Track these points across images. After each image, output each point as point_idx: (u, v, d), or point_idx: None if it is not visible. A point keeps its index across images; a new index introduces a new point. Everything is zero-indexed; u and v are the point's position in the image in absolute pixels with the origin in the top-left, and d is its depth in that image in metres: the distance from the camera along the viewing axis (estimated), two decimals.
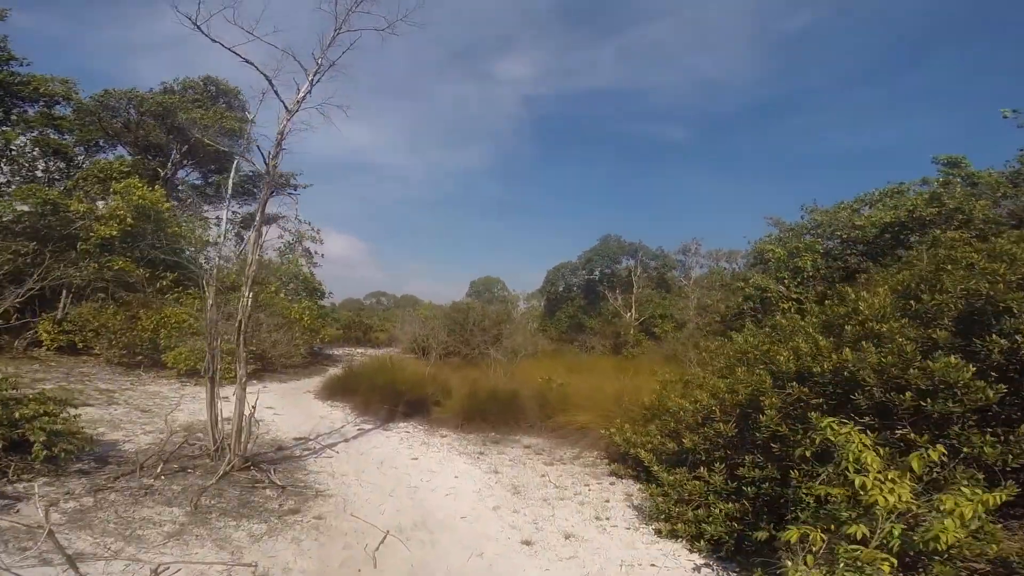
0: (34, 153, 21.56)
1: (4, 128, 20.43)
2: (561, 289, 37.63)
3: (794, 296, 13.80)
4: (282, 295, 19.41)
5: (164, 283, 15.47)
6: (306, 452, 7.93)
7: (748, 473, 5.39)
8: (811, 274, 14.08)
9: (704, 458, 6.08)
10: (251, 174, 28.36)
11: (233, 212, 29.19)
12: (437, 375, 12.41)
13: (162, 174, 25.54)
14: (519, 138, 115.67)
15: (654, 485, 6.24)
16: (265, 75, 7.06)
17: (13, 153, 20.70)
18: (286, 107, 7.37)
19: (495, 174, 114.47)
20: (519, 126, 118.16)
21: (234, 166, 7.74)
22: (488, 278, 52.70)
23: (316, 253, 25.68)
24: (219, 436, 6.80)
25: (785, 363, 5.61)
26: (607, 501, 6.65)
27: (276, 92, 7.30)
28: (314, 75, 7.39)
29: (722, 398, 6.08)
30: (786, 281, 14.30)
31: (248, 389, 13.86)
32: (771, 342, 6.76)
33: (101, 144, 24.56)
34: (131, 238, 16.36)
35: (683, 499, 5.90)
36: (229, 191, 7.76)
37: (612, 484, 7.34)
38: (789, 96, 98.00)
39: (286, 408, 11.12)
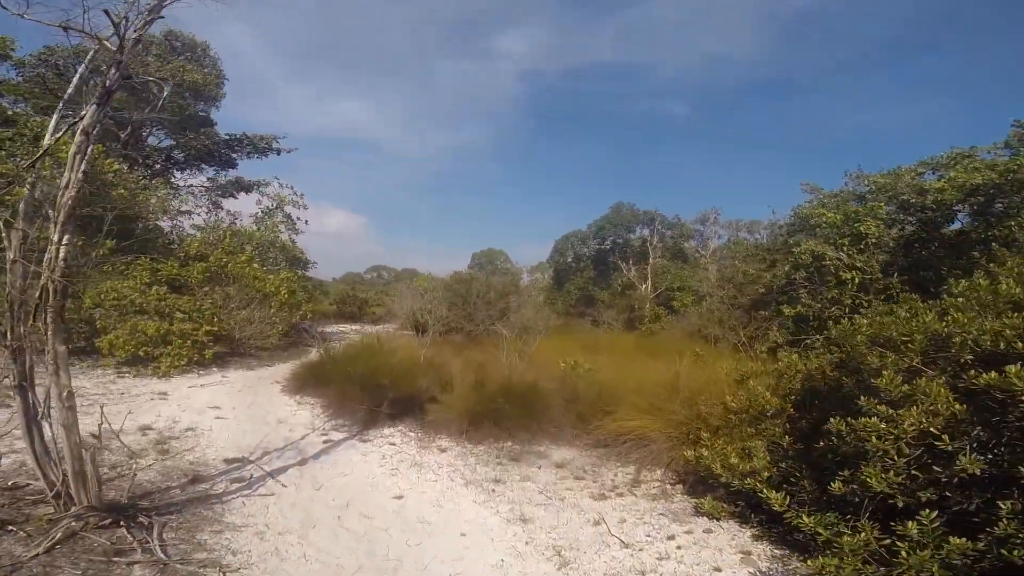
0: None
1: None
2: (570, 259, 34.81)
3: (858, 265, 11.54)
4: (255, 265, 16.60)
5: (102, 252, 12.65)
6: (236, 485, 5.26)
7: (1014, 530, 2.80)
8: (874, 241, 11.81)
9: (902, 504, 3.46)
10: (231, 137, 25.46)
11: (209, 179, 26.33)
12: (434, 359, 9.71)
13: (122, 138, 22.56)
14: (518, 115, 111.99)
15: (826, 556, 3.50)
16: None
17: None
18: None
19: (494, 151, 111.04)
20: (518, 103, 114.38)
21: (89, 58, 4.79)
22: (491, 250, 49.95)
23: (299, 219, 22.87)
24: (56, 475, 4.06)
25: None
26: (718, 571, 4.01)
27: None
28: None
29: (949, 413, 3.37)
30: (846, 248, 12.02)
31: (204, 380, 11.33)
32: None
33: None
34: None
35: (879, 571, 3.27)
36: (70, 92, 4.78)
37: (709, 532, 4.68)
38: (795, 74, 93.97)
39: (238, 408, 8.45)
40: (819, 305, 11.06)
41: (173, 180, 24.70)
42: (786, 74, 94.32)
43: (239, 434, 6.95)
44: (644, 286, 29.10)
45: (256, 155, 25.98)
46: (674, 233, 32.53)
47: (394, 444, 6.84)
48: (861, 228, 11.24)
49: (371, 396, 7.89)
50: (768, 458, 5.00)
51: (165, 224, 19.99)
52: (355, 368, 8.51)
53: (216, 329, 12.87)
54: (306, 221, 22.79)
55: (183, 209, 22.56)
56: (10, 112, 17.96)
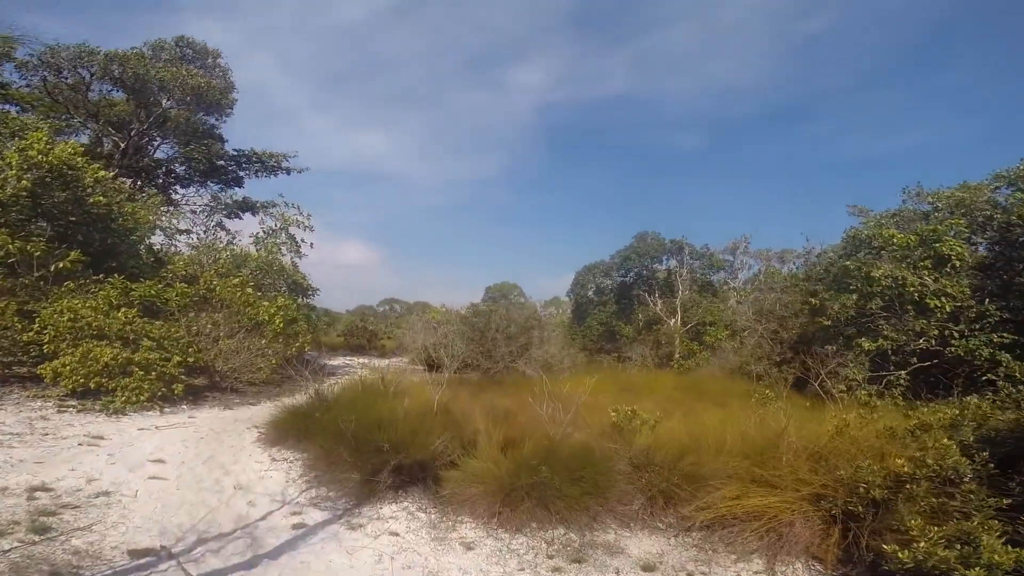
0: None
1: None
2: (591, 292, 32.67)
3: (948, 291, 9.87)
4: (249, 289, 14.70)
5: (64, 264, 10.80)
6: None
7: None
8: (958, 264, 10.23)
9: None
10: (238, 153, 24.24)
11: (212, 196, 24.96)
12: (451, 406, 7.55)
13: (121, 147, 21.26)
14: (533, 146, 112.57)
15: None
16: None
17: None
18: None
19: (509, 182, 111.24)
20: (533, 134, 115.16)
21: None
22: (505, 284, 48.07)
23: (303, 242, 21.05)
24: None
25: None
26: None
27: None
28: None
29: None
30: (928, 272, 10.35)
31: (164, 420, 8.99)
32: None
33: (72, 121, 20.23)
34: (37, 206, 11.81)
35: None
36: None
37: None
38: (806, 101, 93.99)
39: (189, 463, 6.32)
40: (904, 338, 9.82)
41: (173, 196, 23.31)
42: (800, 99, 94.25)
43: (173, 506, 4.81)
44: (673, 320, 27.10)
45: (265, 174, 24.66)
46: (703, 264, 30.59)
47: (397, 534, 4.64)
48: (943, 249, 9.92)
49: (368, 459, 5.73)
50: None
51: (158, 241, 18.38)
52: (350, 419, 6.34)
53: (192, 360, 10.86)
54: (311, 244, 20.96)
55: (180, 227, 21.05)
56: (16, 119, 16.55)
